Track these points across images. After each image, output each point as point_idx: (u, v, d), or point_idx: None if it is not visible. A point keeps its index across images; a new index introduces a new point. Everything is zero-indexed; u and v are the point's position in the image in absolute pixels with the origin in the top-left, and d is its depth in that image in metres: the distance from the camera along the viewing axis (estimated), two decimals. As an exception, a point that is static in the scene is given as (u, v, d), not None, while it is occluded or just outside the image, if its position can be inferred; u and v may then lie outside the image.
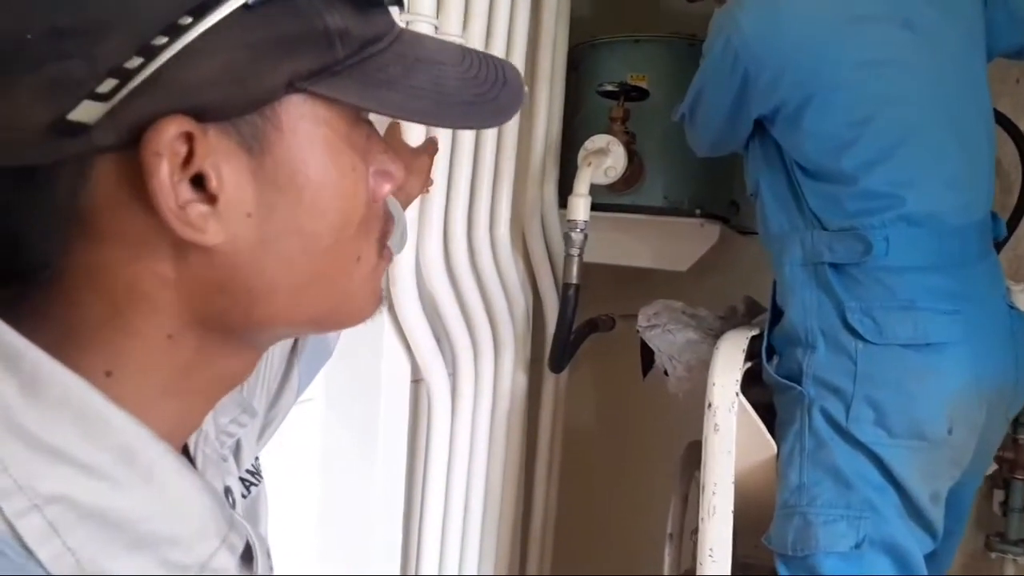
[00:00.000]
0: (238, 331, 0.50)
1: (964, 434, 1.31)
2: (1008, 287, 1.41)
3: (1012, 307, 1.39)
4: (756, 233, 2.18)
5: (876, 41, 1.33)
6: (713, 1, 1.54)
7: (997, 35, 1.43)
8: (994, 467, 1.71)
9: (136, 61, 0.42)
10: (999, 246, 1.46)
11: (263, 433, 0.79)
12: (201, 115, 0.43)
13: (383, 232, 0.55)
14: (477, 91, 0.52)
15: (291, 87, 0.46)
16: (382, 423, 1.56)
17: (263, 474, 0.75)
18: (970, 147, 1.37)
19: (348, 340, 1.20)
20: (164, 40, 0.42)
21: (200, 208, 0.44)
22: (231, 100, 0.44)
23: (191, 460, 0.57)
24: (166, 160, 0.43)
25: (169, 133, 0.42)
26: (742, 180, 2.06)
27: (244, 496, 0.68)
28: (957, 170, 1.34)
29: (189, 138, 0.43)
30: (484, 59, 0.55)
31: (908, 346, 1.29)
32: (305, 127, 0.47)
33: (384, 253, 0.56)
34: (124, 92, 0.42)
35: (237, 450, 0.69)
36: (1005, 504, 1.98)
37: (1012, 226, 1.86)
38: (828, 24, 1.33)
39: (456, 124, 0.58)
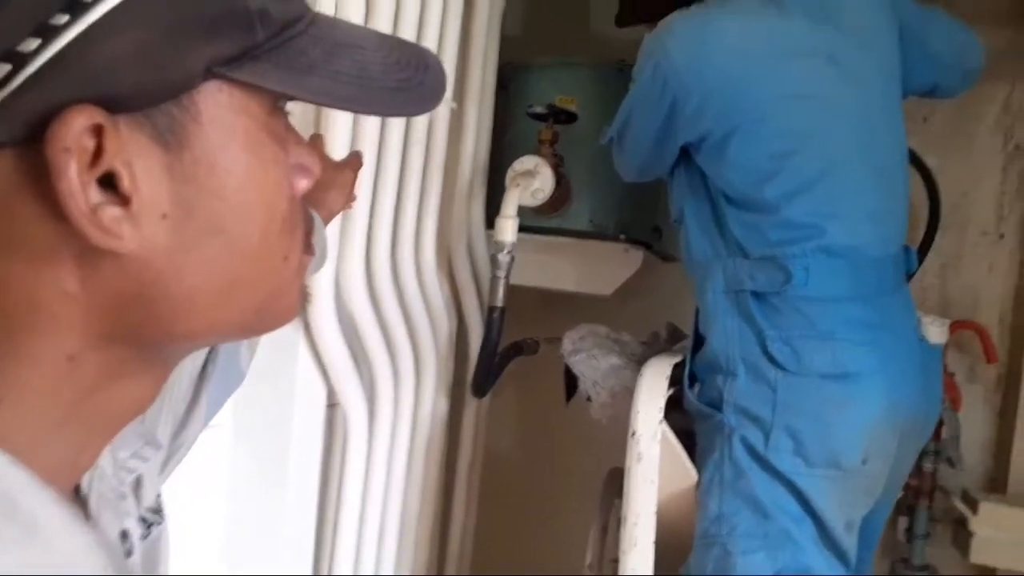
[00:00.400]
0: (151, 346, 0.46)
1: (879, 464, 1.34)
2: (919, 319, 1.44)
3: (922, 339, 1.42)
4: (678, 260, 2.23)
5: (801, 75, 1.36)
6: (644, 26, 1.54)
7: (912, 73, 1.48)
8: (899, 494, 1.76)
9: (32, 43, 0.37)
10: (908, 278, 1.50)
11: (166, 464, 0.73)
12: (111, 105, 0.39)
13: (307, 230, 0.52)
14: (401, 76, 0.49)
15: (209, 73, 0.42)
16: (294, 450, 1.48)
17: (165, 511, 0.69)
18: (888, 181, 1.41)
19: (260, 362, 1.13)
20: (65, 18, 0.37)
21: (112, 211, 0.40)
22: (145, 87, 0.40)
23: (84, 501, 0.51)
24: (75, 157, 0.38)
25: (77, 126, 0.38)
26: (666, 206, 2.09)
27: (144, 538, 0.62)
28: (876, 203, 1.38)
29: (97, 131, 0.39)
30: (402, 45, 0.52)
31: (826, 376, 1.31)
32: (225, 117, 0.43)
33: (309, 250, 0.52)
34: (20, 79, 0.37)
35: (137, 486, 0.63)
36: (910, 531, 2.04)
37: (919, 260, 1.93)
38: (755, 56, 1.35)
39: (383, 111, 0.55)
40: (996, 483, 2.10)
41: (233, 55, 0.42)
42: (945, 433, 1.95)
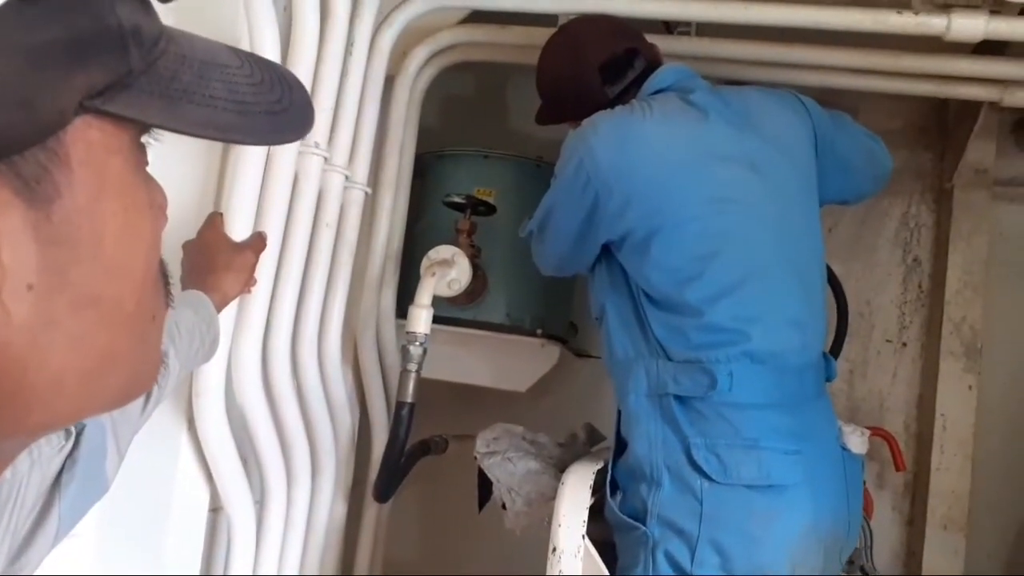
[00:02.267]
0: None
1: (805, 578, 1.28)
2: (840, 428, 1.42)
3: (844, 448, 1.40)
4: (593, 356, 2.19)
5: (723, 180, 1.35)
6: (568, 124, 1.53)
7: (826, 181, 1.50)
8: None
9: None
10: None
11: None
12: None
13: (166, 277, 0.45)
14: (271, 99, 0.44)
15: (80, 107, 0.35)
16: (170, 561, 1.31)
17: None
18: (807, 288, 1.40)
19: (133, 460, 0.98)
20: None
21: None
22: (11, 131, 0.33)
23: None
24: None
25: None
26: (581, 302, 2.06)
27: None
28: (797, 309, 1.37)
29: None
30: (256, 60, 0.46)
31: (753, 487, 1.26)
32: (96, 158, 0.37)
33: (170, 302, 0.45)
34: None
35: None
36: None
37: (831, 364, 1.95)
38: (678, 158, 1.35)
39: (264, 139, 0.47)
40: (908, 593, 2.08)
41: (107, 84, 0.36)
42: (859, 542, 1.92)
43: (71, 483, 0.66)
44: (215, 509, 1.39)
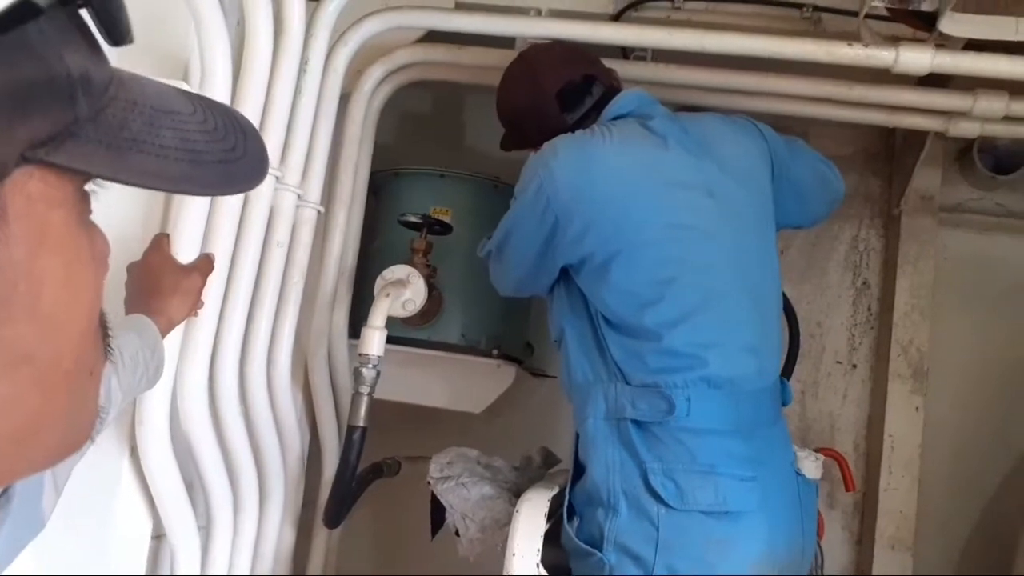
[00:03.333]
0: None
1: (759, 605, 1.28)
2: (795, 452, 1.43)
3: (799, 473, 1.41)
4: (549, 376, 2.18)
5: (682, 206, 1.36)
6: (530, 148, 1.53)
7: (785, 210, 1.53)
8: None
9: None
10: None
11: None
12: None
13: (105, 328, 0.43)
14: (225, 147, 0.43)
15: (22, 158, 0.34)
16: (109, 591, 1.25)
17: None
18: (764, 313, 1.42)
19: (73, 490, 0.94)
20: None
21: None
22: None
23: None
24: None
25: None
26: (537, 321, 2.05)
27: None
28: (754, 335, 1.38)
29: None
30: (212, 105, 0.45)
31: (709, 513, 1.26)
32: (35, 211, 0.35)
33: (109, 355, 0.43)
34: None
35: None
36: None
37: (782, 386, 1.97)
38: (637, 184, 1.35)
39: (216, 190, 0.46)
40: (857, 613, 2.10)
41: (51, 134, 0.34)
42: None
43: (5, 522, 0.63)
44: (159, 536, 1.35)
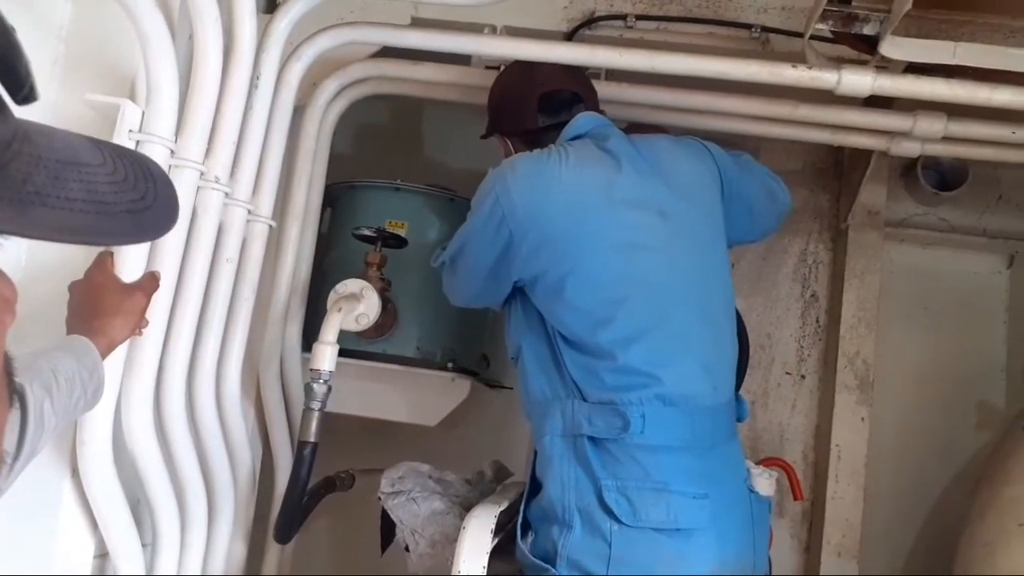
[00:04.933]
0: None
1: (708, 622, 1.30)
2: (748, 469, 1.45)
3: (752, 490, 1.43)
4: (505, 387, 2.19)
5: (635, 225, 1.39)
6: (497, 135, 1.59)
7: (736, 227, 1.56)
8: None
9: None
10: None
11: None
12: None
13: (11, 375, 0.44)
14: (133, 196, 0.44)
15: None
16: (50, 613, 1.24)
17: None
18: (717, 331, 1.44)
19: (10, 512, 0.93)
20: None
21: None
22: None
23: None
24: None
25: None
26: (493, 334, 2.06)
27: None
28: (707, 352, 1.40)
29: None
30: (121, 153, 0.46)
31: (660, 530, 1.27)
32: None
33: (12, 401, 0.43)
34: None
35: None
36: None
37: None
38: (589, 203, 1.37)
39: (123, 240, 0.46)
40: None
41: None
42: (758, 572, 1.97)
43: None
44: (102, 555, 1.33)
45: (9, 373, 0.42)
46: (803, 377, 2.25)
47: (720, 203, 1.51)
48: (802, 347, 2.26)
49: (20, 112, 0.40)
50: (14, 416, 0.75)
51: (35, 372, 0.85)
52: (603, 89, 1.67)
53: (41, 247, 1.10)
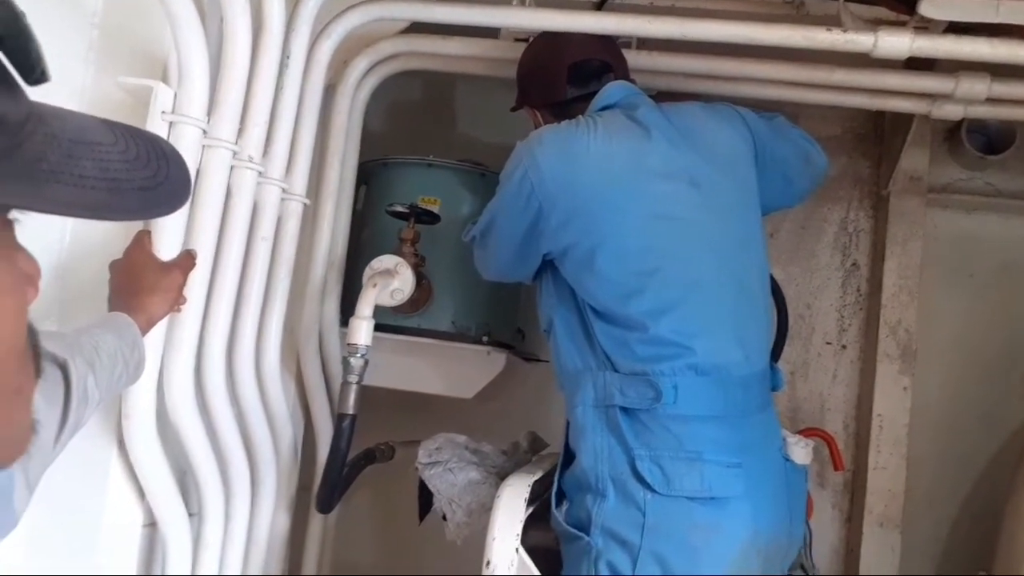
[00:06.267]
0: None
1: (742, 589, 1.30)
2: (784, 439, 1.44)
3: (787, 459, 1.42)
4: (541, 360, 2.20)
5: (666, 196, 1.37)
6: (527, 107, 1.58)
7: (771, 193, 1.53)
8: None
9: None
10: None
11: None
12: None
13: (36, 348, 0.45)
14: (146, 174, 0.45)
15: None
16: (103, 578, 1.29)
17: None
18: (751, 300, 1.43)
19: (59, 485, 0.97)
20: None
21: None
22: None
23: None
24: None
25: None
26: (528, 308, 2.07)
27: None
28: (739, 322, 1.39)
29: None
30: (134, 133, 0.47)
31: (694, 499, 1.28)
32: None
33: (40, 373, 0.46)
34: None
35: None
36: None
37: (771, 368, 1.98)
38: (619, 175, 1.36)
39: (136, 215, 0.48)
40: (846, 590, 2.13)
41: None
42: (798, 542, 1.96)
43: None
44: (151, 524, 1.38)
45: (35, 345, 0.44)
46: (844, 347, 2.22)
47: (754, 170, 1.49)
48: (843, 317, 2.23)
49: (38, 95, 0.42)
50: (58, 390, 0.78)
51: (78, 348, 0.88)
52: (633, 58, 1.65)
53: (83, 229, 1.14)
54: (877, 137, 2.22)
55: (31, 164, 0.39)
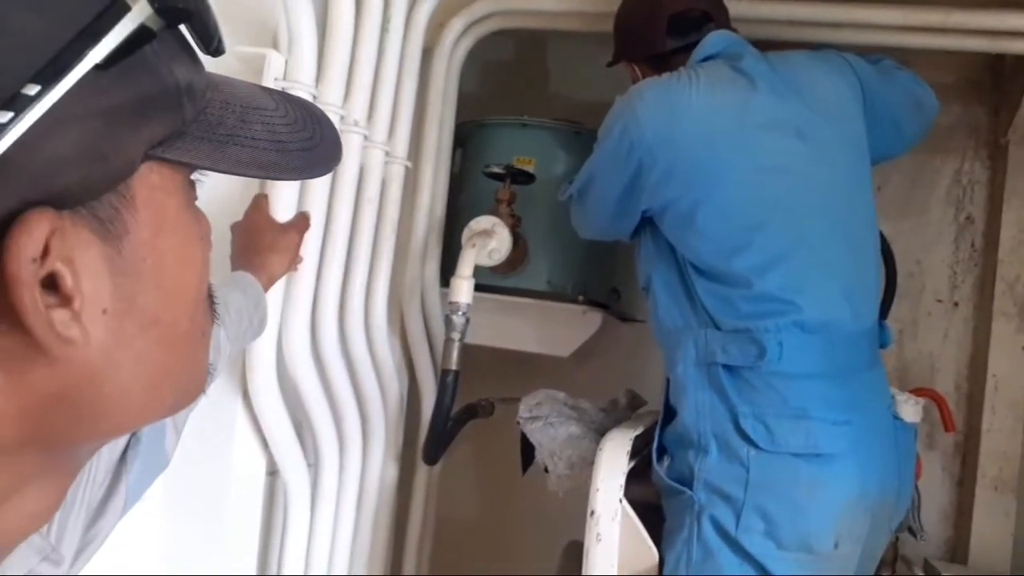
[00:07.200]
0: (70, 448, 0.44)
1: (850, 546, 1.29)
2: (893, 396, 1.41)
3: (896, 417, 1.39)
4: (637, 320, 2.20)
5: (771, 149, 1.34)
6: (625, 61, 1.56)
7: (881, 142, 1.47)
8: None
9: None
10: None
11: (77, 559, 0.66)
12: (56, 202, 0.36)
13: (212, 297, 0.50)
14: (304, 136, 0.48)
15: (144, 156, 0.41)
16: (231, 522, 1.39)
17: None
18: (859, 255, 1.39)
19: (193, 432, 1.05)
20: (8, 116, 0.34)
21: (60, 314, 0.37)
22: (90, 181, 0.38)
23: None
24: (34, 267, 0.35)
25: (40, 233, 0.35)
26: (624, 267, 2.07)
27: None
28: (848, 278, 1.35)
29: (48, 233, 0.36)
30: (288, 99, 0.51)
31: (800, 455, 1.26)
32: (156, 199, 0.42)
33: (215, 316, 0.50)
34: None
35: None
36: (873, 603, 1.98)
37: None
38: (723, 128, 1.33)
39: (300, 175, 0.52)
40: (957, 552, 2.07)
41: (165, 135, 0.41)
42: (906, 503, 1.91)
43: (135, 460, 0.72)
44: (272, 472, 1.47)
45: (211, 295, 0.48)
46: (956, 305, 2.13)
47: (862, 119, 1.43)
48: (955, 273, 2.13)
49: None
50: None
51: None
52: (735, 7, 1.60)
53: (202, 195, 1.20)
54: (994, 84, 2.09)
55: (214, 128, 0.43)
